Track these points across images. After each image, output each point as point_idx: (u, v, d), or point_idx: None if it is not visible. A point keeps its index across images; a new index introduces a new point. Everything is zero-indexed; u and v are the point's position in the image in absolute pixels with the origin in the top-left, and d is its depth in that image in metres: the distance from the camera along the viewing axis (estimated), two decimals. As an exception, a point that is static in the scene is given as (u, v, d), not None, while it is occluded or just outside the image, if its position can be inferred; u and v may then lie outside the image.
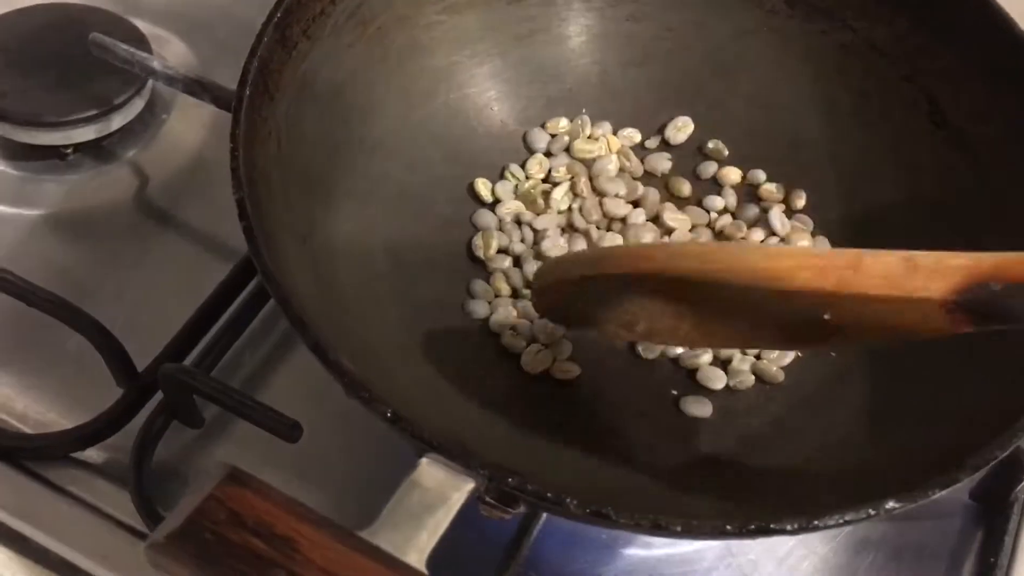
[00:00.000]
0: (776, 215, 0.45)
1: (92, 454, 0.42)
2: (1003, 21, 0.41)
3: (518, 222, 0.45)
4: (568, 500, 0.29)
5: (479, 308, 0.43)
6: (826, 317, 0.31)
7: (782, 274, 0.30)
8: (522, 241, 0.45)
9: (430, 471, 0.29)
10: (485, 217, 0.45)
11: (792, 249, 0.30)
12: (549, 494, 0.29)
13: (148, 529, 0.39)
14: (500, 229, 0.45)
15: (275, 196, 0.36)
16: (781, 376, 0.42)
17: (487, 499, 0.30)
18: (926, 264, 0.30)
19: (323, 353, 0.31)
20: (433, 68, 0.44)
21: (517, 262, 0.44)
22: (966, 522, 0.42)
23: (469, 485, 0.29)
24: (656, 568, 0.41)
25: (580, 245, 0.44)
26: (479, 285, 0.43)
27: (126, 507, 0.40)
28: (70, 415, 0.42)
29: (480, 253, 0.44)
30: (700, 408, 0.41)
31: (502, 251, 0.44)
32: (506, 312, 0.42)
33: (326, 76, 0.40)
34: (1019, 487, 0.42)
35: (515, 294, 0.44)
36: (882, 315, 0.31)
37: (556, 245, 0.44)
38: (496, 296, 0.43)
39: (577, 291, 0.37)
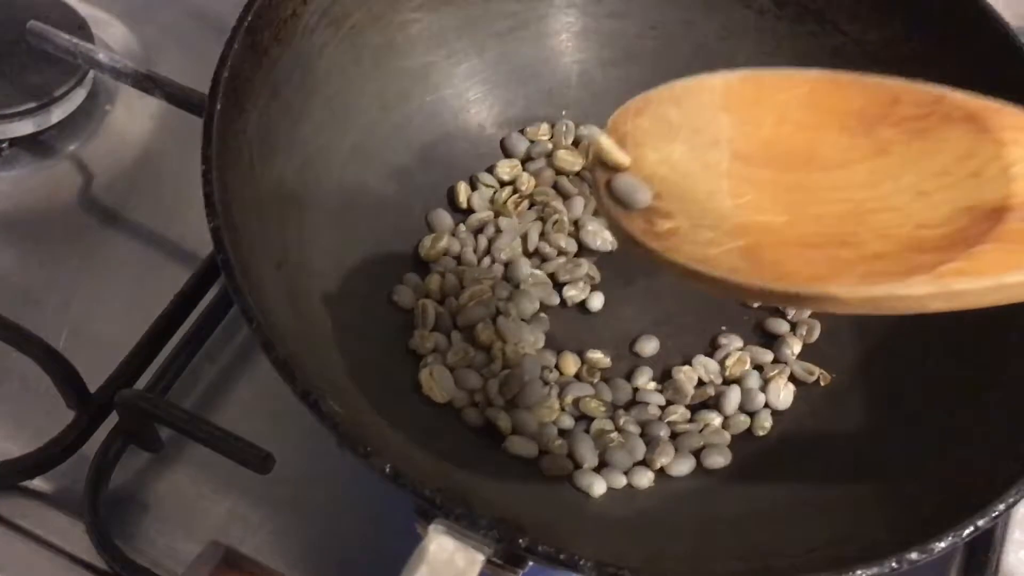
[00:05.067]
0: None
1: (42, 483, 0.39)
2: (1001, 28, 0.40)
3: (477, 232, 0.43)
4: (582, 561, 0.28)
5: (403, 297, 0.40)
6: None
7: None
8: (475, 251, 0.42)
9: (438, 540, 0.27)
10: (441, 217, 0.43)
11: None
12: (562, 555, 0.28)
13: (106, 564, 0.37)
14: (453, 235, 0.43)
15: (249, 220, 0.33)
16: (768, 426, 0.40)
17: (493, 559, 0.28)
18: None
19: (315, 405, 0.29)
20: (409, 69, 0.42)
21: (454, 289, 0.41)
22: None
23: (480, 557, 0.27)
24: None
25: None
26: (412, 278, 0.41)
27: (81, 541, 0.38)
28: (17, 441, 0.40)
29: (423, 252, 0.42)
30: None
31: (447, 255, 0.42)
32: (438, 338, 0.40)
33: (298, 82, 0.38)
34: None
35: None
36: None
37: (508, 246, 0.42)
38: (426, 296, 0.41)
39: None
